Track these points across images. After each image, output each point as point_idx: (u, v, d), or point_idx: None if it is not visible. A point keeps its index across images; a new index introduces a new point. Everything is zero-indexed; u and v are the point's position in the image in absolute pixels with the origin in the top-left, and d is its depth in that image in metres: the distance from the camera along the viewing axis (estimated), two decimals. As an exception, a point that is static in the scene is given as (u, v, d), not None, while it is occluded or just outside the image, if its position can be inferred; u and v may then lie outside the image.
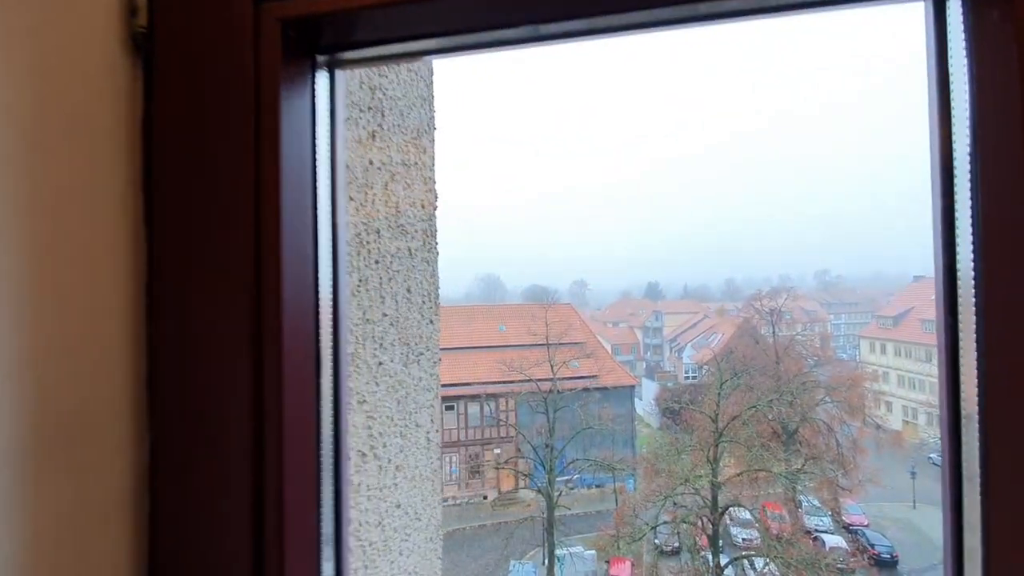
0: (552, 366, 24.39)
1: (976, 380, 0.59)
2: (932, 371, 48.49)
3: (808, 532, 26.61)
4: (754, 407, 22.37)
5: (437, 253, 1.31)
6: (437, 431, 1.28)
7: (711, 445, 17.96)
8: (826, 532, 28.35)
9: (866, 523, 30.98)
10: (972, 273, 0.60)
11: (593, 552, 27.64)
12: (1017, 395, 0.55)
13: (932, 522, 32.96)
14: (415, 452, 1.16)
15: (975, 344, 0.59)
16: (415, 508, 1.15)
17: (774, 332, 37.08)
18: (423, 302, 1.21)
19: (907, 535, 31.17)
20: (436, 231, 1.32)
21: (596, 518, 32.46)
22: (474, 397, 35.67)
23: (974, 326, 0.60)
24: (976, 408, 0.59)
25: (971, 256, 0.60)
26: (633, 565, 25.17)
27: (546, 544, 22.43)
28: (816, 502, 30.44)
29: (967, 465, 0.63)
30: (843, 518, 30.83)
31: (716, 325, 68.74)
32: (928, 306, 52.99)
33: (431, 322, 1.25)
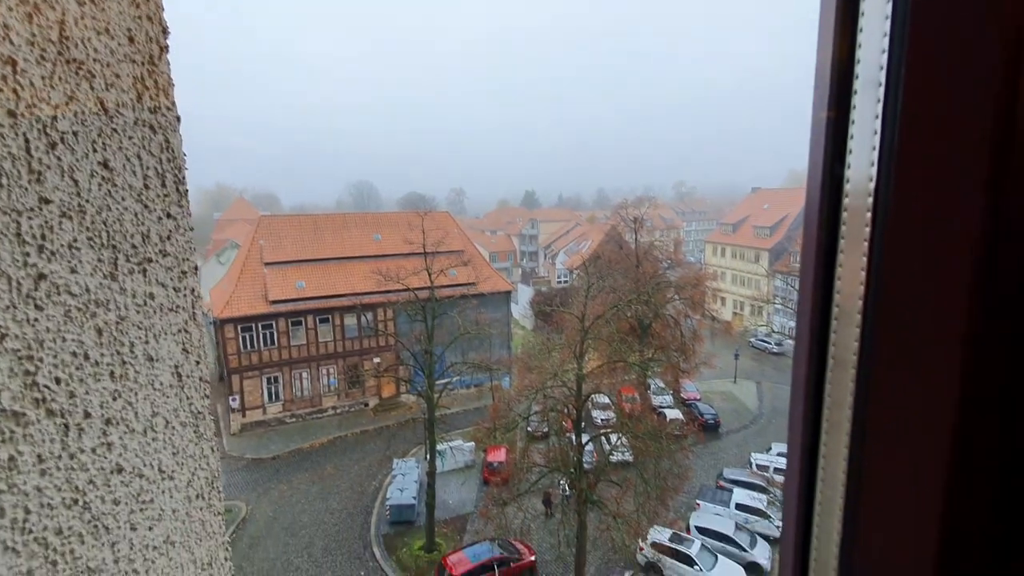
0: (430, 274, 24.11)
1: (863, 279, 0.64)
2: (758, 270, 56.82)
3: (654, 409, 31.12)
4: (616, 307, 24.51)
5: (176, 117, 0.92)
6: (198, 362, 0.97)
7: (578, 343, 19.50)
8: (668, 407, 33.44)
9: (698, 397, 37.08)
10: (872, 186, 0.63)
11: (472, 444, 29.83)
12: (907, 296, 0.61)
13: (747, 393, 40.43)
14: (151, 395, 0.84)
15: (867, 247, 0.64)
16: (160, 466, 0.86)
17: (636, 238, 40.18)
18: (147, 185, 0.83)
19: (728, 404, 37.98)
20: (171, 84, 0.91)
21: (475, 414, 34.71)
22: (350, 308, 34.61)
23: (867, 232, 0.64)
24: (858, 305, 0.65)
25: (873, 168, 0.63)
26: (508, 450, 27.71)
27: (427, 441, 23.55)
28: (661, 384, 35.47)
29: (837, 352, 0.68)
30: (681, 395, 36.52)
31: (587, 232, 72.94)
32: (760, 214, 60.80)
33: (168, 215, 0.88)
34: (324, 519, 25.69)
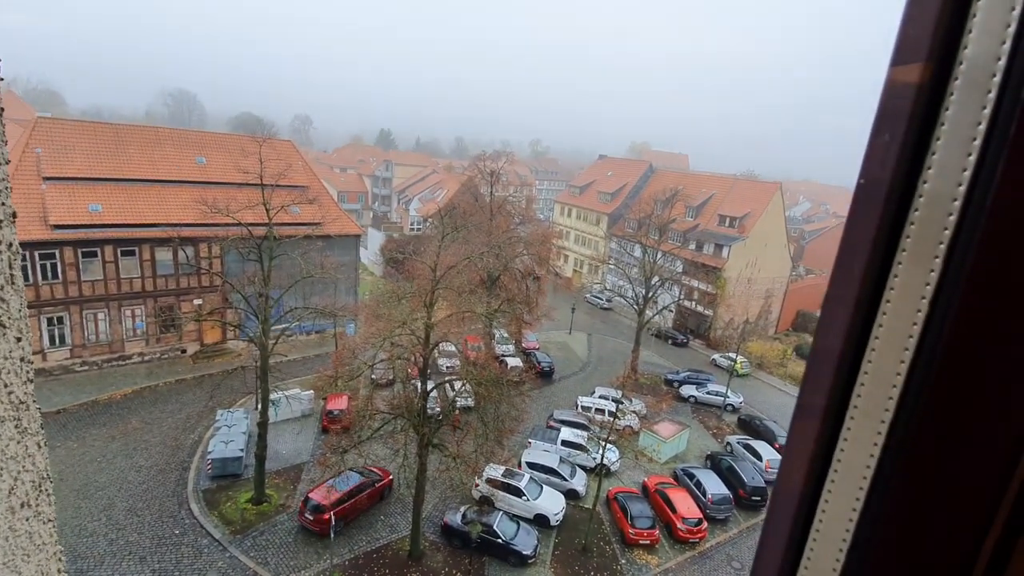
0: (268, 210, 21.65)
1: (928, 298, 0.58)
2: (598, 232, 61.94)
3: (496, 357, 32.82)
4: (468, 258, 24.83)
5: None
6: (19, 338, 0.75)
7: (428, 292, 19.44)
8: (510, 356, 35.56)
9: (537, 347, 40.03)
10: (961, 190, 0.55)
11: (311, 392, 28.51)
12: (994, 332, 0.56)
13: (579, 343, 44.74)
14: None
15: (939, 264, 0.58)
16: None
17: (491, 192, 40.78)
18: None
19: (562, 353, 41.70)
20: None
21: (316, 361, 33.06)
22: (164, 241, 29.80)
23: (940, 249, 0.57)
24: (911, 329, 0.61)
25: (966, 173, 0.57)
26: (350, 398, 27.08)
27: (259, 390, 21.86)
28: (505, 334, 37.44)
29: (875, 371, 0.65)
30: (523, 345, 39.05)
31: (443, 181, 71.86)
32: (604, 180, 65.77)
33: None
34: (128, 477, 22.69)
